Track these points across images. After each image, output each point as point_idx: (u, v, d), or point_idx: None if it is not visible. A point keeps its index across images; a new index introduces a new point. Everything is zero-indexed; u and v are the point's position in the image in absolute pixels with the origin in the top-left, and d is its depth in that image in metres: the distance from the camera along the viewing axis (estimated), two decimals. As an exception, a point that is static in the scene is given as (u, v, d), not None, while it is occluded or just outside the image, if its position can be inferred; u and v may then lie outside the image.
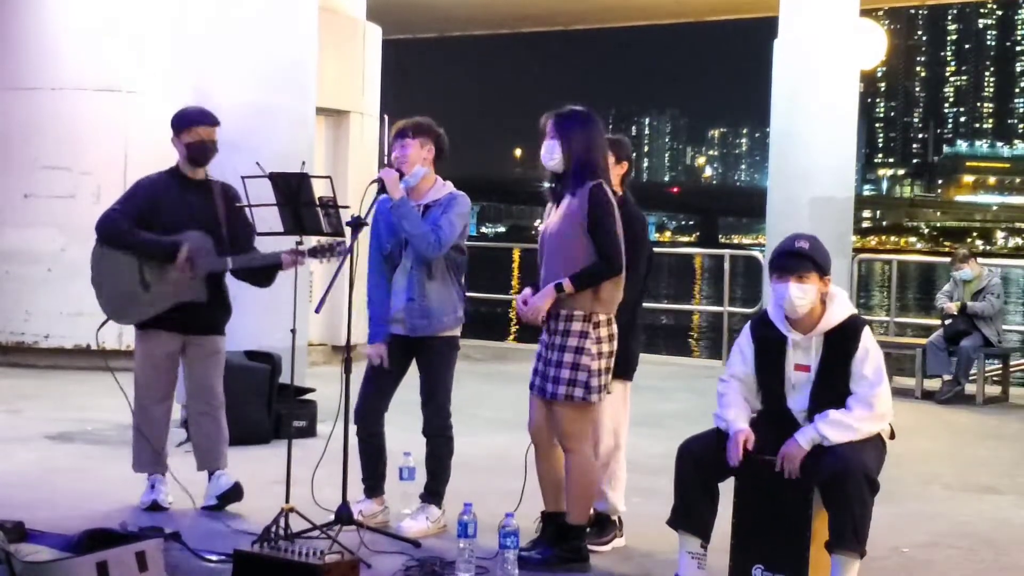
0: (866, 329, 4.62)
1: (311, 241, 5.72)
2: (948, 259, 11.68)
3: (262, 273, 5.87)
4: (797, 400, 4.64)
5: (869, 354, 4.55)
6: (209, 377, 5.97)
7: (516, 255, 41.67)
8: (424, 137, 5.58)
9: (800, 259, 4.56)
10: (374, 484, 5.71)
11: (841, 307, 4.62)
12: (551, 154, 5.08)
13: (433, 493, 5.61)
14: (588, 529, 5.22)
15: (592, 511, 5.28)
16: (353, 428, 5.47)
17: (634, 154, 5.69)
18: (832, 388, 4.56)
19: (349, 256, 5.33)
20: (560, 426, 5.05)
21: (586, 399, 4.97)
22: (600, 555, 5.33)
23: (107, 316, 5.87)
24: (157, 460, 5.92)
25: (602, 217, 4.94)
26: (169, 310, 5.79)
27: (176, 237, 5.73)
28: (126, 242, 5.76)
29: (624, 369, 5.31)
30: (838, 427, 4.48)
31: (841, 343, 4.57)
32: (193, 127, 5.89)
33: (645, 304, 5.22)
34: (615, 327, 5.06)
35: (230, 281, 5.99)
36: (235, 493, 5.86)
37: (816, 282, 4.56)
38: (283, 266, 5.74)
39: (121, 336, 10.82)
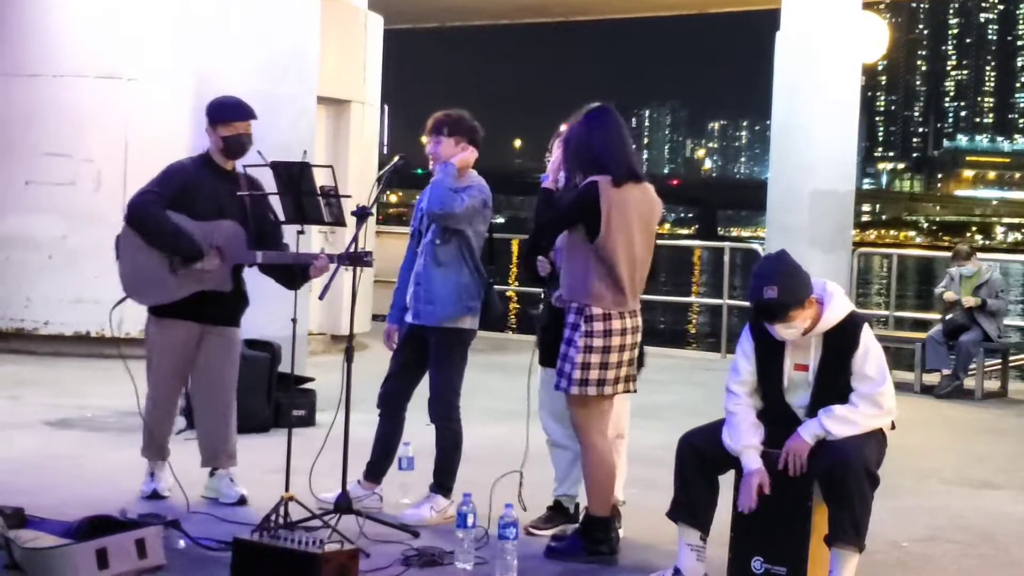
0: (865, 327, 4.61)
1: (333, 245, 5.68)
2: (948, 254, 11.67)
3: (291, 273, 5.68)
4: (797, 398, 4.64)
5: (870, 352, 4.54)
6: (224, 371, 5.89)
7: (515, 246, 41.65)
8: (459, 135, 5.63)
9: (774, 309, 4.48)
10: (372, 469, 5.74)
11: (839, 306, 4.59)
12: (549, 174, 5.18)
13: (438, 483, 5.64)
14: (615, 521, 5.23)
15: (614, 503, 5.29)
16: (358, 416, 5.48)
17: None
18: (832, 386, 4.55)
19: (354, 245, 5.32)
20: (571, 417, 5.13)
21: (568, 391, 5.00)
22: (599, 546, 5.35)
23: (126, 294, 5.76)
24: (163, 448, 5.91)
25: (578, 197, 4.97)
26: (190, 297, 5.71)
27: (210, 225, 5.66)
28: (153, 231, 5.63)
29: None
30: (843, 423, 4.48)
31: (840, 342, 4.56)
32: (231, 121, 5.81)
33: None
34: (617, 323, 5.00)
35: None
36: (238, 504, 5.82)
37: (800, 313, 4.49)
38: (312, 272, 5.60)
39: (120, 324, 10.81)
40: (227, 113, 5.84)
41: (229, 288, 5.75)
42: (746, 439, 4.59)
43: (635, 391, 5.21)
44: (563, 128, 5.26)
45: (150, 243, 5.65)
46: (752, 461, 4.56)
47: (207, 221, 5.67)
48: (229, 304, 5.83)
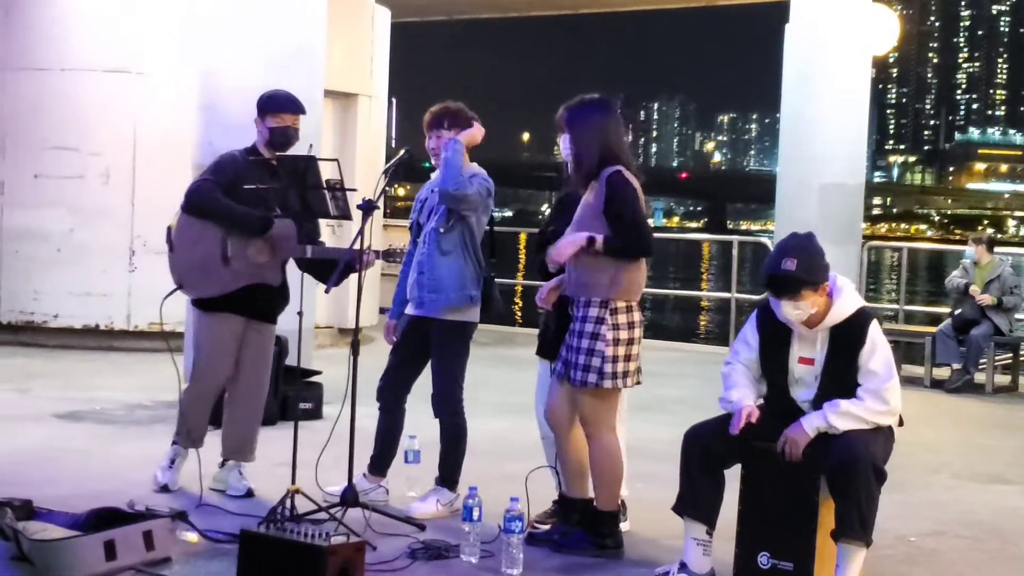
0: (873, 323, 4.59)
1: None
2: (959, 247, 11.63)
3: (333, 269, 5.54)
4: (802, 392, 4.63)
5: (877, 348, 4.52)
6: (261, 368, 5.94)
7: (523, 239, 41.62)
8: (459, 128, 5.62)
9: (789, 283, 4.48)
10: (376, 462, 5.75)
11: (848, 300, 4.58)
12: (566, 149, 5.16)
13: (443, 477, 5.64)
14: (621, 515, 5.24)
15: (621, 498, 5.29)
16: (364, 409, 5.47)
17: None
18: (837, 381, 4.54)
19: (360, 238, 5.31)
20: (581, 411, 5.09)
21: (599, 384, 4.97)
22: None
23: (176, 286, 5.78)
24: (200, 438, 5.90)
25: (621, 203, 4.94)
26: (239, 290, 5.73)
27: (267, 215, 5.68)
28: (220, 208, 5.65)
29: None
30: (847, 418, 4.47)
31: (847, 337, 4.55)
32: (281, 112, 5.83)
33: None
34: (637, 315, 5.04)
35: None
36: (245, 497, 5.83)
37: (810, 296, 4.49)
38: (356, 266, 5.50)
39: (129, 317, 10.86)
40: (277, 105, 5.86)
41: (279, 282, 5.82)
42: (739, 390, 4.65)
43: (641, 383, 5.22)
44: (562, 111, 5.21)
45: (218, 220, 5.65)
46: (746, 401, 4.61)
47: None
48: (274, 300, 5.89)
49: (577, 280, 5.05)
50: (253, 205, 5.70)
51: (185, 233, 5.73)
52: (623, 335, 4.99)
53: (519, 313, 23.65)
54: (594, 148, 5.03)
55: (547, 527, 5.30)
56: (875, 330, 4.56)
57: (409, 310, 5.70)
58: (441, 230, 5.57)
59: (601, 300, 4.97)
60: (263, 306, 5.86)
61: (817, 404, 4.56)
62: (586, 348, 4.97)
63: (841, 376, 4.53)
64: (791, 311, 4.52)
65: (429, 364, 5.71)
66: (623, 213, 4.93)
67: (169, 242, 5.78)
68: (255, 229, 5.69)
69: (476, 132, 5.61)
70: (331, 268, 5.56)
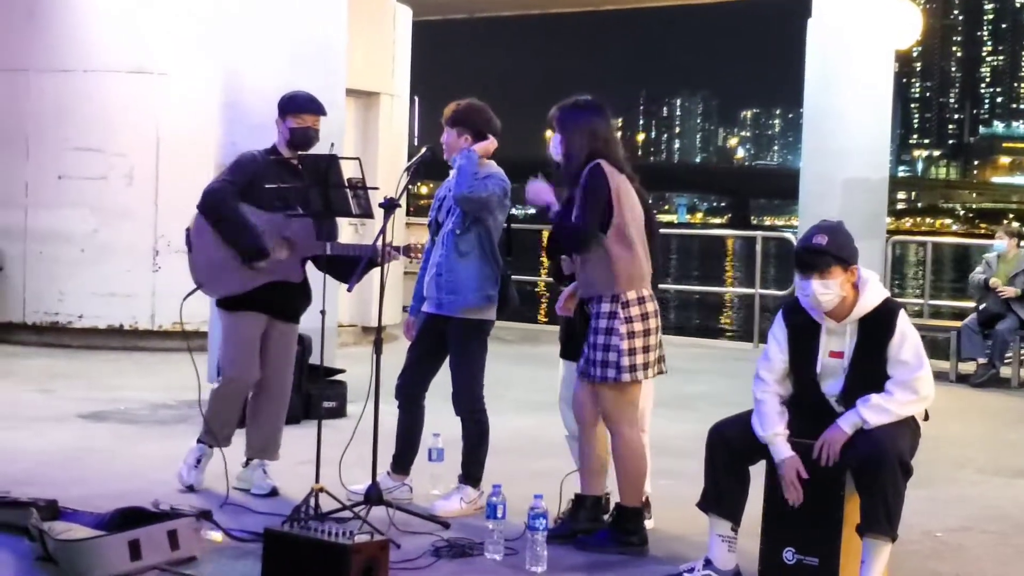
0: (901, 313, 4.56)
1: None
2: (984, 242, 11.55)
3: (351, 267, 5.57)
4: (830, 386, 4.60)
5: (906, 338, 4.49)
6: (283, 365, 5.95)
7: (545, 236, 41.64)
8: (462, 127, 5.61)
9: (819, 256, 4.46)
10: (398, 460, 5.75)
11: (874, 292, 4.55)
12: (556, 148, 5.18)
13: (466, 475, 5.64)
14: (645, 512, 5.22)
15: (606, 495, 5.29)
16: (387, 407, 5.48)
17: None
18: (867, 374, 4.50)
19: (383, 237, 5.32)
20: (603, 408, 5.09)
21: (618, 379, 4.98)
22: (630, 537, 5.33)
23: (197, 285, 5.82)
24: (229, 437, 5.93)
25: (584, 191, 4.98)
26: (260, 288, 5.75)
27: (280, 216, 5.69)
28: (224, 221, 5.66)
29: None
30: (880, 411, 4.43)
31: (876, 329, 4.52)
32: (301, 113, 5.85)
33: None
34: (651, 304, 5.04)
35: None
36: (269, 495, 5.84)
37: (840, 275, 4.47)
38: (378, 260, 5.53)
39: (153, 317, 10.90)
40: (298, 105, 5.88)
41: (299, 279, 5.83)
42: (774, 426, 4.57)
43: (666, 371, 5.21)
44: (554, 111, 5.21)
45: (219, 231, 5.68)
46: (782, 450, 4.54)
47: (270, 211, 5.72)
48: (296, 298, 5.90)
49: (584, 281, 5.10)
50: (273, 204, 5.71)
51: (203, 233, 5.75)
52: (638, 327, 4.99)
53: (543, 310, 23.62)
54: (584, 149, 5.07)
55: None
56: (903, 320, 4.53)
57: (426, 308, 5.70)
58: (458, 231, 5.57)
59: (611, 295, 4.98)
60: (285, 304, 5.87)
61: (846, 397, 4.53)
62: (602, 344, 4.98)
63: (870, 368, 4.50)
64: (820, 291, 4.47)
65: (447, 362, 5.71)
66: (582, 203, 4.97)
67: (188, 243, 5.80)
68: (247, 254, 5.68)
69: (490, 145, 5.62)
70: (349, 267, 5.58)
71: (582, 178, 5.01)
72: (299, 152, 5.86)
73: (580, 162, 5.06)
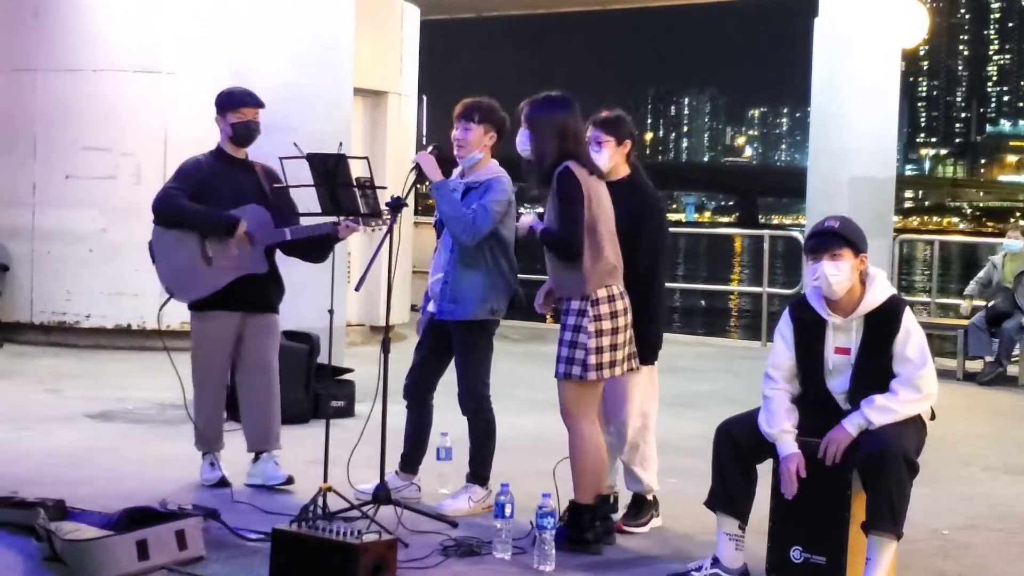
0: (907, 310, 4.57)
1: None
2: (991, 240, 11.53)
3: (318, 246, 5.83)
4: (837, 382, 4.60)
5: (911, 335, 4.50)
6: (265, 352, 5.99)
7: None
8: (489, 124, 5.58)
9: (831, 237, 4.53)
10: (406, 460, 5.75)
11: (881, 288, 4.57)
12: (523, 144, 5.15)
13: (474, 474, 5.64)
14: (602, 510, 5.14)
15: (614, 492, 5.29)
16: (396, 407, 5.48)
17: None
18: (873, 370, 4.51)
19: (389, 236, 5.32)
20: (563, 403, 5.09)
21: (584, 377, 4.98)
22: (637, 536, 5.34)
23: (169, 294, 5.88)
24: (219, 438, 5.98)
25: (561, 201, 4.97)
26: (229, 286, 5.79)
27: (234, 211, 5.76)
28: (185, 215, 5.75)
29: (645, 355, 5.27)
30: (884, 412, 4.43)
31: (882, 325, 4.53)
32: (240, 107, 5.93)
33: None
34: (620, 302, 5.02)
35: None
36: (287, 484, 5.88)
37: (850, 259, 4.51)
38: (340, 235, 5.70)
39: (161, 317, 10.90)
40: (236, 100, 5.96)
41: (265, 270, 5.86)
42: (781, 423, 4.58)
43: (637, 368, 5.19)
44: (524, 106, 5.17)
45: (186, 227, 5.75)
46: (788, 446, 4.54)
47: (228, 210, 5.77)
48: (266, 289, 5.94)
49: (555, 281, 5.12)
50: (226, 202, 5.77)
51: (162, 242, 5.83)
52: (606, 325, 4.98)
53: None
54: (555, 151, 5.04)
55: (641, 528, 5.36)
56: (909, 317, 4.54)
57: (431, 308, 5.69)
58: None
59: (580, 295, 4.99)
60: (256, 296, 5.92)
61: (852, 394, 4.54)
62: (569, 341, 4.99)
63: (876, 364, 4.50)
64: (831, 271, 4.48)
65: (453, 361, 5.71)
66: (564, 212, 4.97)
67: (152, 255, 5.87)
68: (222, 229, 5.75)
69: (429, 167, 5.41)
70: (316, 248, 5.75)
71: (554, 184, 4.99)
72: (243, 147, 5.94)
73: (551, 163, 5.03)
